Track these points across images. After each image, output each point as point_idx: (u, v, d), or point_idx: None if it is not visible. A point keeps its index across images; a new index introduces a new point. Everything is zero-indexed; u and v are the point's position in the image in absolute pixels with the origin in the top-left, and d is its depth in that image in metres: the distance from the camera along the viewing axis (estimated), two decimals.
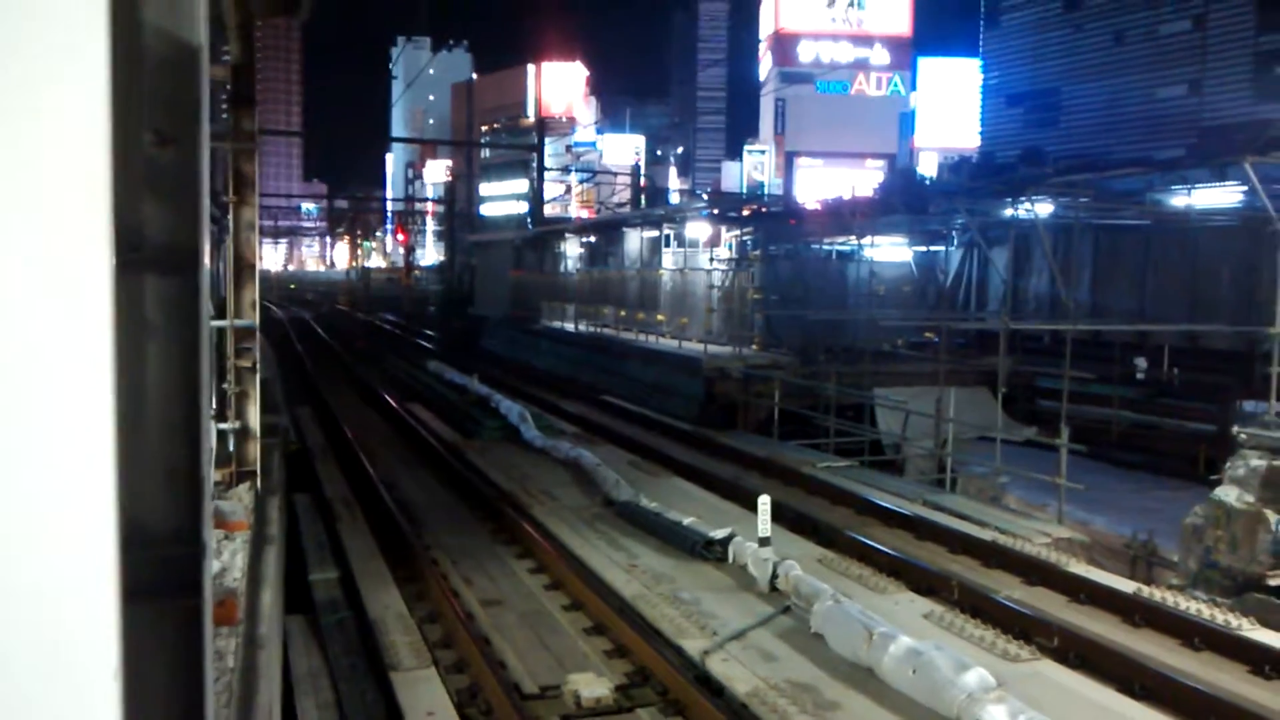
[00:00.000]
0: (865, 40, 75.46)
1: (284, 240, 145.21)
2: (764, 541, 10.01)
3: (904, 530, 12.53)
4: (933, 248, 27.49)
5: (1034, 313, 23.71)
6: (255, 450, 9.42)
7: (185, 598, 2.32)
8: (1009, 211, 19.06)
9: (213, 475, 8.23)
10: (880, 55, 75.81)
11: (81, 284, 2.33)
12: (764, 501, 10.12)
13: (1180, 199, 19.73)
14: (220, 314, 9.53)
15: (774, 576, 9.74)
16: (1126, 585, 10.11)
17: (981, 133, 53.78)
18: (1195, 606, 9.39)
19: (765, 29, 78.68)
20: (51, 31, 1.56)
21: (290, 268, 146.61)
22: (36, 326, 1.61)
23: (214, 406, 9.30)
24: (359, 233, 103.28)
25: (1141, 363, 20.65)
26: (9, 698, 1.51)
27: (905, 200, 22.49)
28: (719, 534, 11.03)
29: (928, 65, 73.93)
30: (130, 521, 2.30)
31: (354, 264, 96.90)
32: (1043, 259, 22.51)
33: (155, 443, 2.30)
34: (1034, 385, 21.60)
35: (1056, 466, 13.57)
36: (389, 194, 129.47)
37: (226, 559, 6.81)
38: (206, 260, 2.33)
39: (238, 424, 9.20)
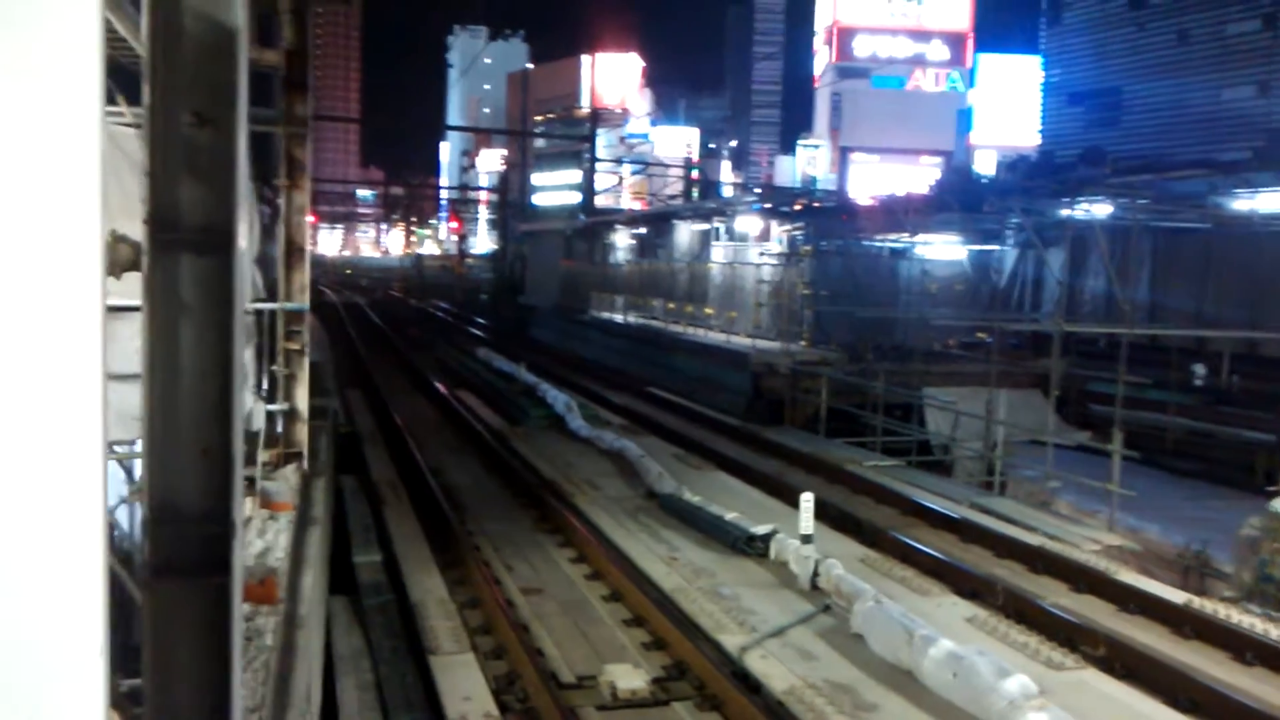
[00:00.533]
0: (923, 35, 74.52)
1: (340, 226, 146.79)
2: (806, 539, 9.94)
3: (950, 532, 12.37)
4: (987, 247, 27.09)
5: (1090, 315, 23.28)
6: (303, 432, 9.53)
7: (214, 575, 2.34)
8: (1065, 212, 18.71)
9: (259, 456, 8.33)
10: (939, 50, 74.85)
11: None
12: (807, 499, 10.03)
13: (1244, 203, 19.24)
14: (273, 297, 9.62)
15: (815, 575, 9.66)
16: (1177, 596, 9.90)
17: (1041, 131, 52.86)
18: (1248, 620, 9.17)
19: (822, 22, 78.03)
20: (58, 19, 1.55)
21: (346, 253, 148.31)
22: (68, 308, 1.60)
23: (265, 388, 9.41)
24: (413, 220, 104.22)
25: (1200, 369, 20.19)
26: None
27: (959, 198, 22.20)
28: (761, 530, 10.97)
29: (987, 61, 72.82)
30: (161, 500, 2.32)
31: (408, 251, 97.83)
32: (1099, 261, 22.09)
33: (188, 423, 2.32)
34: (1088, 389, 21.22)
35: (1109, 472, 13.31)
36: (444, 182, 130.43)
37: (270, 539, 6.89)
38: (242, 241, 2.34)
39: (286, 406, 9.30)
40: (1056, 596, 10.00)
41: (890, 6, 74.53)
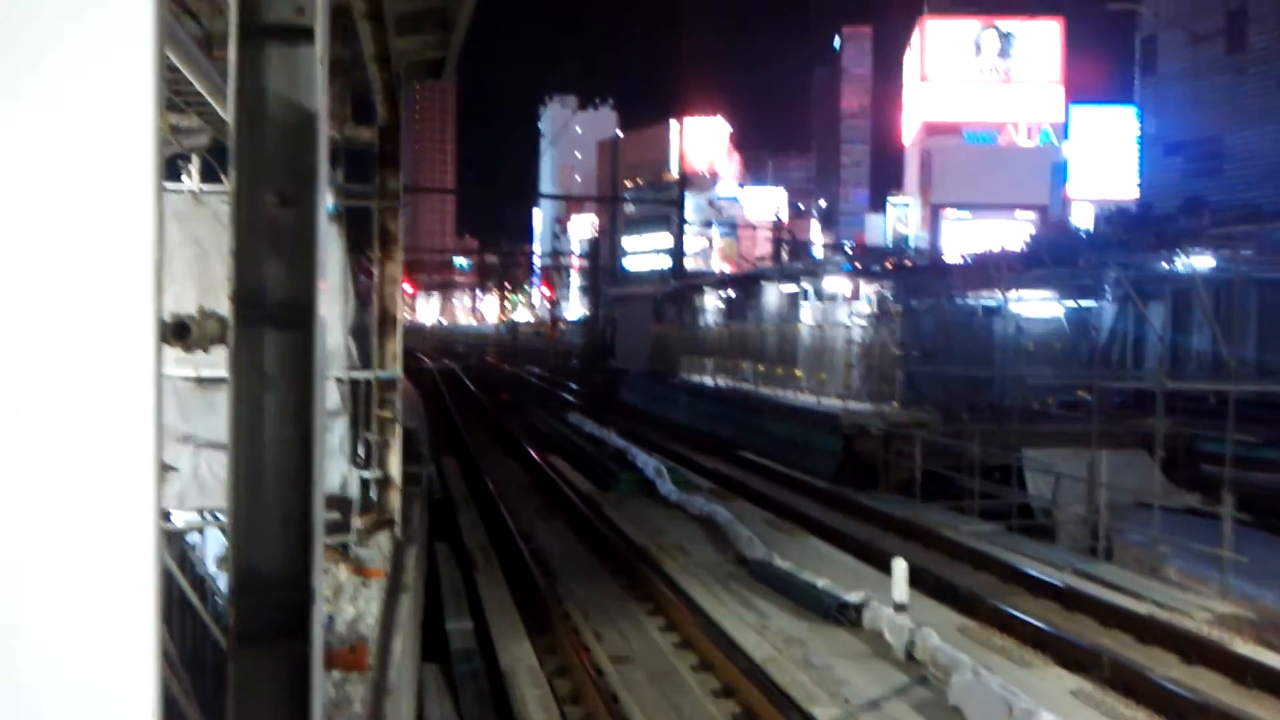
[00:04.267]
0: (1014, 89, 73.73)
1: (436, 293, 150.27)
2: (900, 607, 9.69)
3: (1052, 601, 11.95)
4: (1084, 303, 26.43)
5: (1195, 371, 22.47)
6: (396, 499, 9.67)
7: (294, 641, 2.38)
8: (1165, 265, 18.19)
9: (353, 523, 8.47)
10: (1030, 104, 73.91)
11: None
12: (900, 565, 9.81)
13: None
14: (367, 365, 9.86)
15: (911, 644, 9.40)
16: None
17: (1140, 183, 51.65)
18: None
19: (910, 78, 77.81)
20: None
21: (443, 321, 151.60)
22: (123, 375, 1.67)
23: (361, 456, 9.61)
24: (508, 286, 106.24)
25: None
26: None
27: (1053, 254, 21.79)
28: (854, 597, 10.74)
29: (1080, 114, 71.57)
30: (245, 568, 2.38)
31: (503, 317, 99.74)
32: (1202, 315, 21.37)
33: (270, 492, 2.38)
34: (1197, 448, 20.39)
35: (1221, 536, 12.73)
36: (536, 248, 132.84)
37: (361, 606, 6.97)
38: (322, 314, 2.41)
39: (379, 473, 9.47)
40: (1166, 668, 9.55)
41: (979, 61, 74.05)
